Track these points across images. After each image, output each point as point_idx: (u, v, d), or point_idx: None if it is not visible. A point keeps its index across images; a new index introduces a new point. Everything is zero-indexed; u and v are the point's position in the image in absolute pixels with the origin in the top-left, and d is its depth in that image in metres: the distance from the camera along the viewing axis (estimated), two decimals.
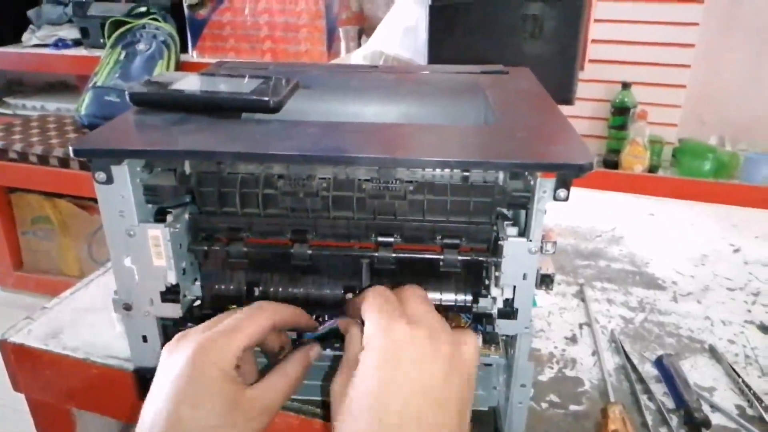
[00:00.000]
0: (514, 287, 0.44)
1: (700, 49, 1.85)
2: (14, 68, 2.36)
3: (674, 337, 0.67)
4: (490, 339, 0.49)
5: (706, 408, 0.55)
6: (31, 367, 0.65)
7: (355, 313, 0.43)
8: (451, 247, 0.45)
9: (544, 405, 0.56)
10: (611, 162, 1.95)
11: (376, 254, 0.45)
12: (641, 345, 0.65)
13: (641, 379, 0.59)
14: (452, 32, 1.45)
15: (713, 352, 0.64)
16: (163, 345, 0.49)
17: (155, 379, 0.41)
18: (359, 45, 1.99)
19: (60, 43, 2.17)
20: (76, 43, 2.19)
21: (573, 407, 0.56)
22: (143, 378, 0.50)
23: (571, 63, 1.42)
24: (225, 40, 2.03)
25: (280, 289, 0.48)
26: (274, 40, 1.99)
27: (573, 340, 0.66)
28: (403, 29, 1.64)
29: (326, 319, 0.48)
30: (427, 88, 0.66)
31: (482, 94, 0.58)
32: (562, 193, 0.40)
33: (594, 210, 1.00)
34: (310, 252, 0.46)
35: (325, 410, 0.53)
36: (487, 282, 0.47)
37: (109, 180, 0.43)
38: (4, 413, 1.56)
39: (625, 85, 1.90)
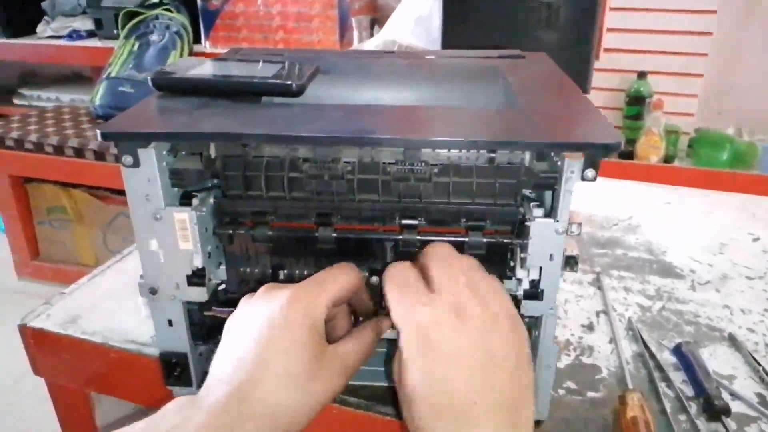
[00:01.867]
0: (540, 268, 0.44)
1: (717, 38, 1.83)
2: (29, 60, 2.37)
3: (692, 325, 0.67)
4: None
5: (725, 396, 0.55)
6: (50, 351, 0.66)
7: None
8: (475, 230, 0.45)
9: (561, 392, 0.56)
10: (626, 153, 1.93)
11: (401, 237, 0.45)
12: (659, 333, 0.65)
13: (659, 367, 0.59)
14: (466, 21, 1.44)
15: (733, 341, 0.64)
16: (188, 329, 0.49)
17: (235, 327, 0.41)
18: (372, 35, 1.99)
19: (74, 35, 2.17)
20: (90, 34, 2.20)
21: (590, 394, 0.56)
22: (168, 362, 0.51)
23: (586, 52, 1.41)
24: (238, 30, 2.03)
25: (306, 273, 0.48)
26: (286, 30, 1.99)
27: (590, 327, 0.66)
28: (415, 18, 1.64)
29: None
30: (445, 72, 0.65)
31: (501, 77, 0.58)
32: (590, 173, 0.40)
33: (610, 199, 0.99)
34: (334, 235, 0.45)
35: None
36: (512, 264, 0.47)
37: (136, 163, 0.43)
38: (24, 398, 1.59)
39: (641, 75, 1.88)
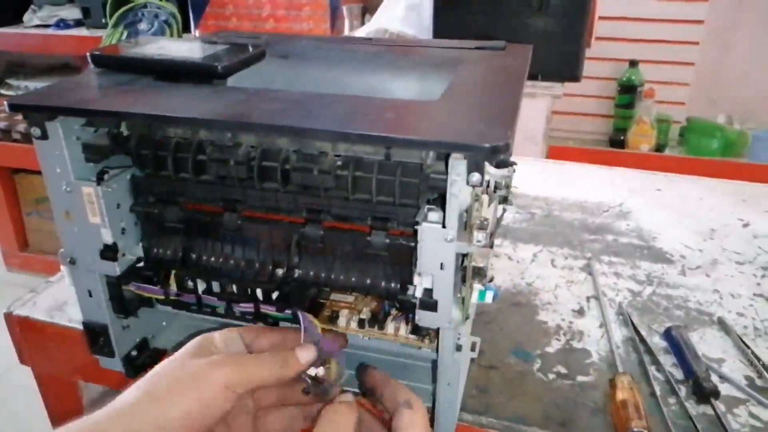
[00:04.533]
0: (433, 276, 0.40)
1: (709, 26, 1.79)
2: (16, 49, 2.32)
3: (682, 309, 0.65)
4: (422, 330, 0.45)
5: (714, 378, 0.54)
6: (37, 339, 0.65)
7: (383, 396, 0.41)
8: (378, 229, 0.42)
9: (551, 376, 0.55)
10: (617, 141, 1.90)
11: (304, 230, 0.43)
12: (649, 317, 0.64)
13: (649, 351, 0.58)
14: (457, 8, 1.41)
15: (722, 324, 0.62)
16: (108, 301, 0.50)
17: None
18: (363, 23, 1.95)
19: (61, 24, 2.13)
20: (78, 23, 2.15)
21: (581, 378, 0.55)
22: (92, 331, 0.51)
23: (578, 40, 1.37)
24: (227, 19, 1.99)
25: (212, 259, 0.46)
26: (276, 18, 1.95)
27: (580, 312, 0.65)
28: (406, 6, 1.60)
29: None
30: (404, 62, 0.63)
31: (456, 69, 0.54)
32: (473, 177, 0.36)
33: (601, 185, 0.97)
34: (239, 222, 0.44)
35: None
36: (414, 269, 0.42)
37: (44, 136, 0.43)
38: (8, 390, 1.56)
39: (633, 63, 1.85)
